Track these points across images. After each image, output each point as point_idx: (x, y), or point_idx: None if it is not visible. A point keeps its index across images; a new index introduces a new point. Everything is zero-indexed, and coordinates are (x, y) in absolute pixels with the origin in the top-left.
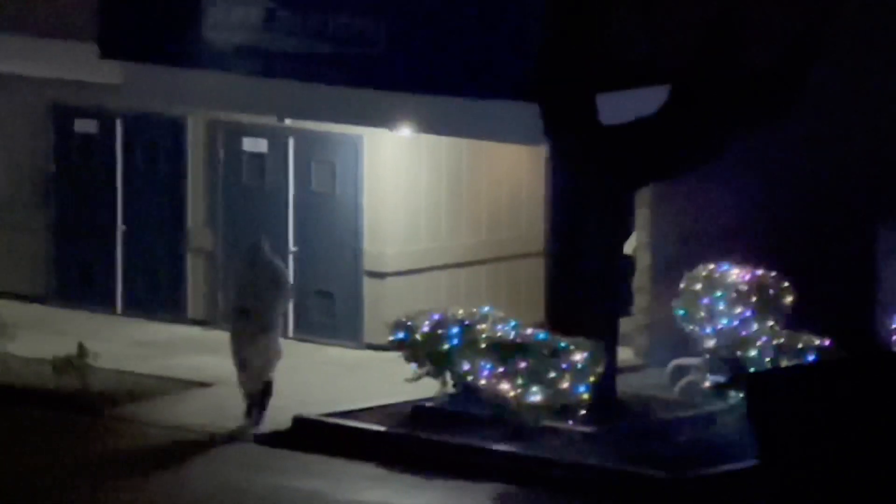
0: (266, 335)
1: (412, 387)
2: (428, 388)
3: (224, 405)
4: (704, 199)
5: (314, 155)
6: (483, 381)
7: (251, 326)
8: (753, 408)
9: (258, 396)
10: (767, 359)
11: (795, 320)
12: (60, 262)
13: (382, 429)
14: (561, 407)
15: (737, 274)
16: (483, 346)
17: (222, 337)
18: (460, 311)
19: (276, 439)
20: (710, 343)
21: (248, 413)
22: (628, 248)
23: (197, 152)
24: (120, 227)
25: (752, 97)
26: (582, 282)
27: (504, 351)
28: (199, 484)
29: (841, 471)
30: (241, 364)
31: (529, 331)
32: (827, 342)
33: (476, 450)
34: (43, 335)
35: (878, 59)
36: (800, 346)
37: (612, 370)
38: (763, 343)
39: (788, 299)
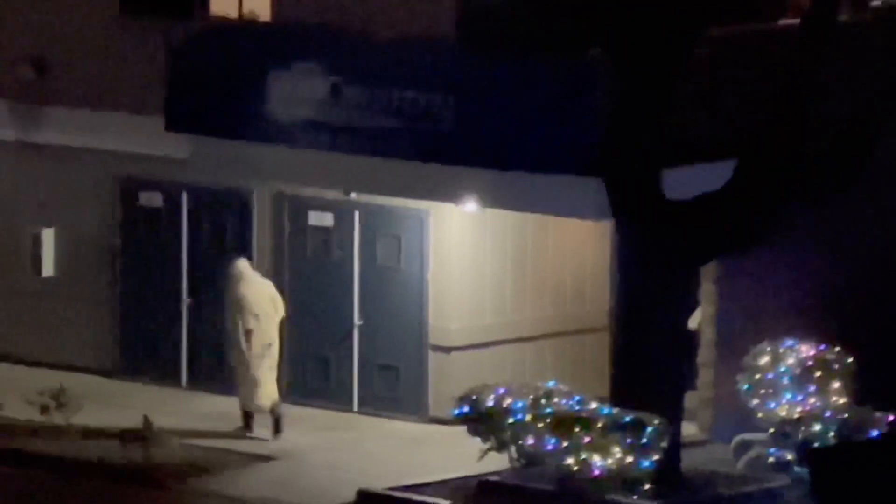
0: (271, 352)
1: (477, 461)
2: (493, 463)
3: (287, 479)
4: (769, 274)
5: (380, 229)
6: (548, 456)
7: (256, 346)
8: (818, 483)
9: (276, 413)
10: (831, 434)
11: (859, 395)
12: (126, 335)
13: (447, 503)
14: (625, 481)
15: (801, 349)
16: (548, 420)
17: (288, 411)
18: (525, 386)
19: None
20: (775, 418)
21: (248, 425)
22: (693, 322)
23: (262, 226)
24: (185, 301)
25: (816, 173)
26: (647, 356)
27: (569, 425)
28: None
29: None
30: (255, 382)
31: (594, 405)
32: (891, 417)
33: None
34: (108, 408)
35: None
36: (864, 421)
37: (676, 445)
38: (827, 418)
39: (852, 375)
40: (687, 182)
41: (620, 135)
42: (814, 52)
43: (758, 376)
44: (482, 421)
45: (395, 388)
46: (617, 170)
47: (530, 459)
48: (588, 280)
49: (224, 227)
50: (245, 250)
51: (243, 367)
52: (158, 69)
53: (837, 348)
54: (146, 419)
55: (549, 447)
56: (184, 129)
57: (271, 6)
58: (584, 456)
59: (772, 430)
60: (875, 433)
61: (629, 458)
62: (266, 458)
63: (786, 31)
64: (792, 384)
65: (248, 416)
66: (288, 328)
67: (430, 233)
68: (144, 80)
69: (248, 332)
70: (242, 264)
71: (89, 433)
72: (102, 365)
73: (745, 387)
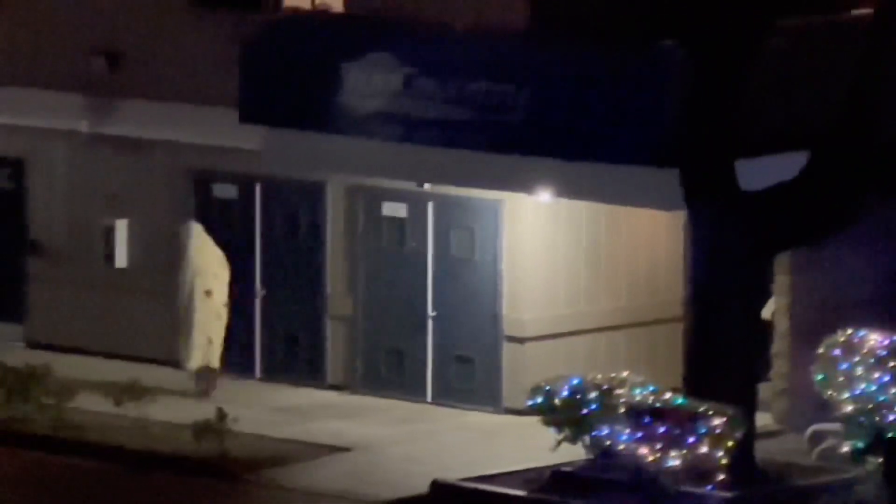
0: (224, 312)
1: (551, 452)
2: (567, 454)
3: (362, 470)
4: (843, 264)
5: (454, 220)
6: (621, 447)
7: (215, 306)
8: (892, 473)
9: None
10: None
11: None
12: None
13: (521, 494)
14: (699, 472)
15: (875, 339)
16: (621, 411)
17: (362, 402)
18: (599, 376)
19: None
20: (849, 408)
21: (202, 381)
22: (766, 313)
23: (336, 217)
24: (259, 293)
25: (889, 162)
26: (720, 347)
27: (642, 416)
28: None
29: None
30: (209, 341)
31: (668, 396)
32: None
33: None
34: (182, 400)
35: None
36: None
37: (750, 435)
38: None
39: None
40: (761, 172)
41: (694, 125)
42: (886, 42)
43: (832, 366)
44: (556, 412)
45: (470, 379)
46: (691, 160)
47: (604, 450)
48: (662, 270)
49: (297, 219)
50: (319, 242)
51: (199, 326)
52: (232, 61)
53: None
54: (220, 411)
55: (623, 438)
56: (257, 121)
57: None
58: (657, 447)
59: (846, 420)
60: None
61: (703, 449)
62: (341, 450)
63: (859, 21)
64: (866, 374)
65: (201, 376)
66: (362, 319)
67: (504, 223)
68: (218, 72)
69: (208, 293)
70: (197, 227)
71: (163, 425)
72: (176, 356)
73: (820, 377)
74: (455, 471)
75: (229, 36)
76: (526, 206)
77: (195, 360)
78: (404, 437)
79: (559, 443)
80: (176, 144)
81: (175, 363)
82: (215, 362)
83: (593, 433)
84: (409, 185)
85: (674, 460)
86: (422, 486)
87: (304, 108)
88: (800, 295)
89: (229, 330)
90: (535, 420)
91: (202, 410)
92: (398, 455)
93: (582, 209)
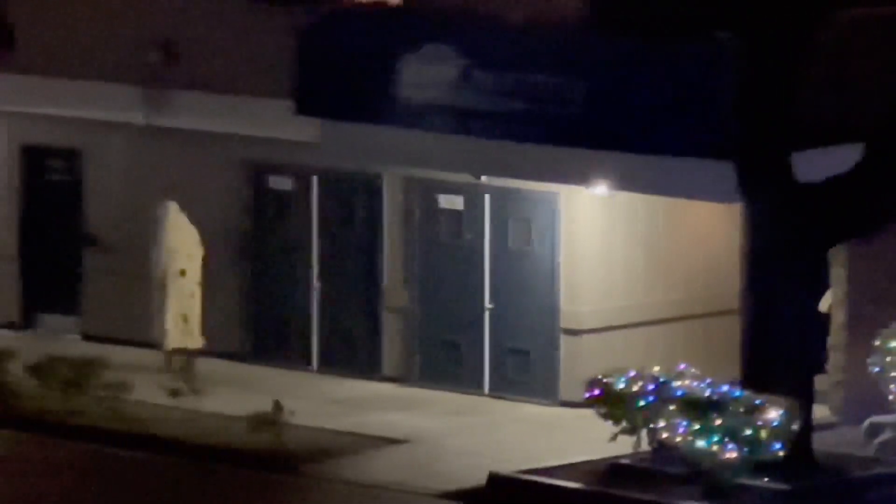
0: (198, 291)
1: (608, 444)
2: (624, 446)
3: (418, 463)
4: None
5: (510, 212)
6: (678, 439)
7: (189, 285)
8: None
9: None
10: None
11: None
12: (256, 319)
13: (578, 486)
14: (756, 464)
15: None
16: (679, 403)
17: (418, 394)
18: (656, 369)
19: (472, 496)
20: None
21: (177, 360)
22: (823, 305)
23: (393, 210)
24: (315, 285)
25: None
26: (778, 339)
27: (700, 408)
28: None
29: None
30: (184, 319)
31: (725, 388)
32: None
33: None
34: (238, 392)
35: None
36: None
37: (807, 427)
38: None
39: None
40: (817, 165)
41: (750, 117)
42: None
43: (889, 358)
44: (613, 404)
45: (526, 371)
46: (747, 152)
47: (661, 443)
48: (719, 262)
49: (354, 212)
50: (375, 234)
51: (174, 306)
52: (288, 53)
53: None
54: (277, 403)
55: (680, 430)
56: (314, 113)
57: None
58: (714, 439)
59: None
60: None
61: (760, 441)
62: (398, 442)
63: None
64: None
65: (176, 355)
66: (418, 312)
67: (561, 216)
68: (274, 64)
69: (182, 272)
70: (172, 206)
71: (218, 417)
72: (233, 349)
73: (876, 369)
74: (512, 463)
75: (286, 28)
76: (583, 199)
77: (171, 340)
78: (461, 430)
79: (616, 435)
80: (232, 137)
81: (232, 355)
82: (194, 341)
83: (650, 425)
84: (466, 178)
85: (731, 452)
86: (479, 479)
87: (360, 100)
88: (856, 287)
89: (285, 323)
90: (591, 412)
91: (258, 402)
92: (455, 447)
93: (639, 201)
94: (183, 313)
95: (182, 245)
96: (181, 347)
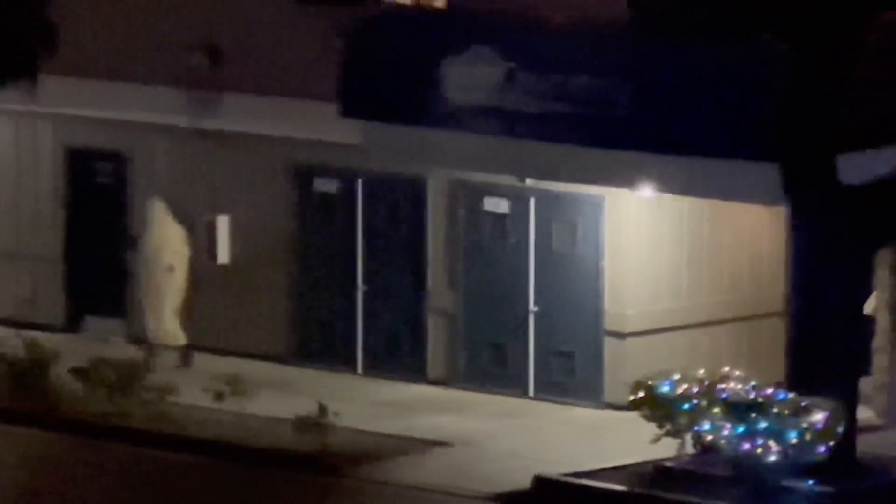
0: (189, 287)
1: (652, 447)
2: (669, 448)
3: (463, 465)
4: None
5: (555, 215)
6: (723, 441)
7: (177, 281)
8: None
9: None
10: None
11: None
12: (301, 321)
13: (623, 489)
14: (801, 467)
15: None
16: (723, 405)
17: (463, 397)
18: (701, 371)
19: (518, 499)
20: None
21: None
22: (868, 308)
23: (437, 212)
24: (360, 287)
25: None
26: (823, 341)
27: (744, 411)
28: None
29: None
30: (176, 315)
31: (769, 390)
32: None
33: None
34: (283, 395)
35: None
36: None
37: (852, 430)
38: None
39: None
40: (862, 167)
41: (796, 119)
42: None
43: None
44: (658, 406)
45: (571, 374)
46: (793, 154)
47: (705, 445)
48: (764, 265)
49: (399, 214)
50: (420, 237)
51: (163, 302)
52: (333, 55)
53: None
54: (322, 406)
55: (725, 432)
56: (359, 116)
57: None
58: (759, 441)
59: None
60: None
61: (805, 444)
62: (442, 445)
63: None
64: None
65: (150, 350)
66: (463, 314)
67: (606, 219)
68: (319, 66)
69: (170, 268)
70: (158, 204)
71: (264, 420)
72: (278, 352)
73: None
74: (557, 466)
75: (330, 30)
76: (628, 201)
77: (163, 336)
78: (506, 432)
79: (660, 437)
80: (277, 139)
81: (277, 357)
82: (183, 336)
83: (695, 428)
84: (511, 180)
85: (775, 455)
86: (524, 481)
87: (405, 102)
88: None
89: (330, 326)
90: (636, 415)
91: (303, 405)
92: (500, 450)
93: (684, 204)
94: (174, 308)
95: (168, 242)
96: (176, 343)
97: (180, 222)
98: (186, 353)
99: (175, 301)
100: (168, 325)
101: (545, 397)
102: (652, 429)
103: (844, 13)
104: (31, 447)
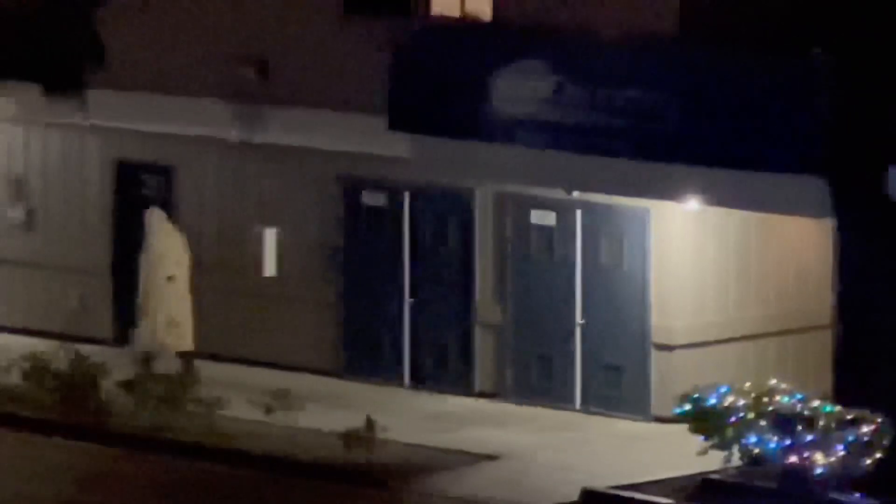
0: (187, 296)
1: (700, 459)
2: (715, 461)
3: (511, 478)
4: None
5: (602, 228)
6: (770, 454)
7: (178, 290)
8: None
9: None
10: None
11: None
12: (349, 334)
13: (670, 502)
14: (847, 480)
15: None
16: (770, 418)
17: (510, 410)
18: (748, 384)
19: None
20: None
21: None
22: None
23: (484, 225)
24: (408, 300)
25: None
26: (869, 354)
27: (791, 423)
28: None
29: None
30: (176, 324)
31: (816, 403)
32: None
33: None
34: (331, 408)
35: None
36: None
37: None
38: None
39: None
40: None
41: (844, 133)
42: None
43: None
44: (705, 419)
45: (618, 386)
46: (840, 168)
47: (753, 458)
48: (810, 277)
49: (446, 226)
50: (467, 250)
51: (161, 310)
52: (380, 68)
53: None
54: (369, 419)
55: (772, 445)
56: (406, 129)
57: (492, 5)
58: (806, 454)
59: None
60: None
61: (851, 457)
62: (490, 458)
63: None
64: None
65: (149, 359)
66: (510, 327)
67: (653, 231)
68: (367, 80)
69: (171, 278)
70: (158, 214)
71: (312, 433)
72: (325, 365)
73: None
74: (604, 478)
75: (378, 43)
76: (674, 214)
77: (163, 344)
78: (553, 445)
79: (706, 450)
80: (325, 152)
81: (324, 371)
82: (186, 344)
83: (742, 441)
84: (558, 193)
85: (822, 468)
86: (571, 494)
87: (452, 115)
88: None
89: (377, 339)
90: (683, 428)
91: (351, 418)
92: (547, 463)
93: (730, 216)
94: (172, 318)
95: (170, 251)
96: (178, 351)
97: (228, 235)
98: (189, 360)
99: (175, 310)
100: (168, 333)
101: (592, 410)
102: (699, 441)
103: (893, 26)
104: (80, 460)
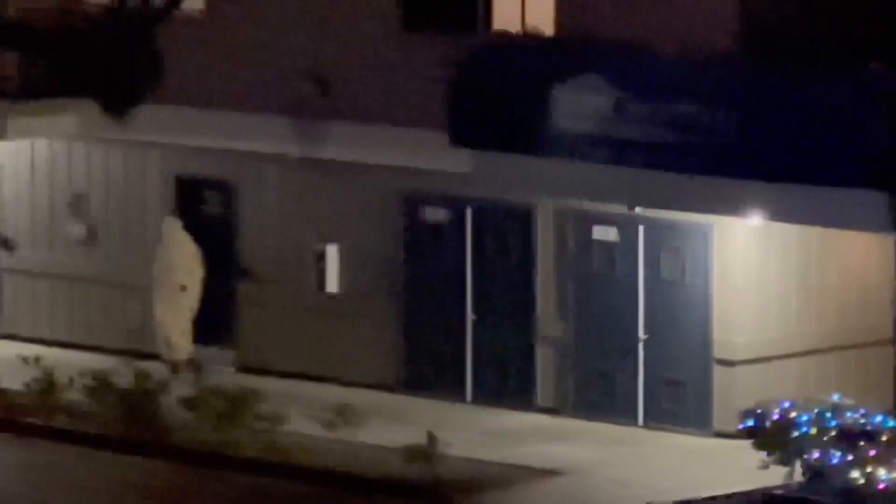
0: (196, 307)
1: (762, 474)
2: (777, 476)
3: (573, 494)
4: None
5: (664, 243)
6: (832, 469)
7: (189, 300)
8: None
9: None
10: None
11: None
12: (410, 350)
13: None
14: None
15: None
16: (832, 434)
17: (572, 425)
18: (810, 399)
19: None
20: None
21: (175, 370)
22: None
23: (546, 241)
24: (469, 316)
25: None
26: None
27: (853, 438)
28: None
29: None
30: (183, 333)
31: (879, 418)
32: None
33: None
34: (392, 424)
35: None
36: None
37: None
38: None
39: None
40: None
41: None
42: None
43: None
44: (767, 434)
45: (680, 402)
46: None
47: (815, 473)
48: (872, 292)
49: (508, 242)
50: (529, 265)
51: (175, 320)
52: (442, 84)
53: None
54: (431, 434)
55: (834, 461)
56: (468, 144)
57: (554, 21)
58: (869, 469)
59: None
60: None
61: None
62: (552, 473)
63: None
64: None
65: (176, 366)
66: (572, 343)
67: (715, 246)
68: (428, 95)
69: (183, 288)
70: (173, 223)
71: (373, 449)
72: (387, 380)
73: None
74: (666, 494)
75: (438, 59)
76: (736, 229)
77: (173, 353)
78: (615, 460)
79: (768, 465)
80: (386, 168)
81: (386, 386)
82: (189, 353)
83: (804, 456)
84: (620, 209)
85: (884, 483)
86: None
87: (514, 130)
88: None
89: (439, 354)
90: (745, 443)
91: (412, 434)
92: (609, 478)
93: (792, 231)
94: (185, 326)
95: (182, 261)
96: (186, 358)
97: (289, 251)
98: (199, 367)
99: (186, 319)
100: (179, 341)
101: (654, 425)
102: (760, 457)
103: None
104: (142, 477)
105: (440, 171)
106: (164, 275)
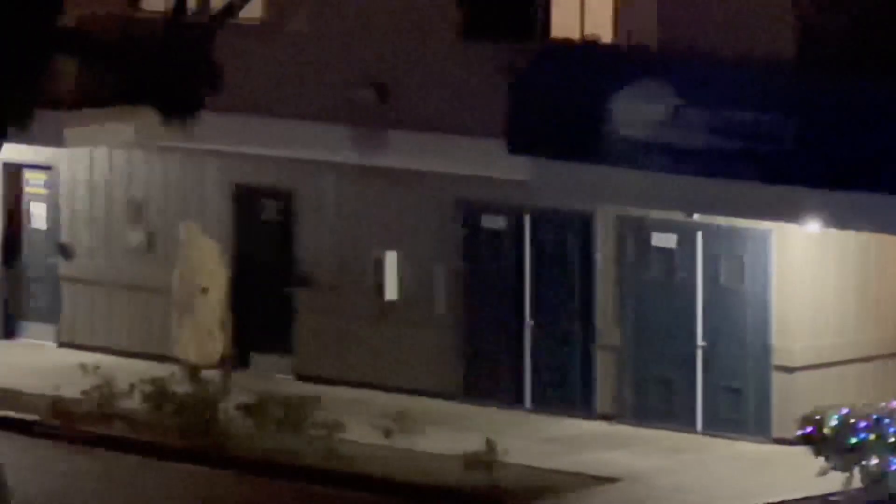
0: (221, 308)
1: (821, 481)
2: (837, 483)
3: (631, 501)
4: None
5: (722, 250)
6: (892, 475)
7: (211, 301)
8: None
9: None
10: None
11: None
12: (469, 357)
13: None
14: None
15: None
16: (892, 440)
17: (631, 432)
18: (869, 405)
19: None
20: None
21: (193, 374)
22: None
23: (605, 248)
24: (528, 323)
25: None
26: None
27: None
28: None
29: None
30: (210, 333)
31: None
32: None
33: None
34: (451, 431)
35: None
36: None
37: None
38: None
39: None
40: None
41: None
42: None
43: None
44: (826, 441)
45: (739, 408)
46: None
47: (874, 479)
48: None
49: (566, 249)
50: (587, 272)
51: (197, 322)
52: (500, 92)
53: None
54: (490, 442)
55: (893, 467)
56: (526, 152)
57: (613, 28)
58: None
59: None
60: None
61: None
62: (611, 480)
63: None
64: None
65: (195, 369)
66: (631, 349)
67: (773, 253)
68: (486, 103)
69: (205, 290)
70: (191, 226)
71: (433, 456)
72: (446, 388)
73: None
74: (724, 501)
75: (496, 66)
76: (795, 236)
77: (194, 355)
78: (674, 467)
79: (827, 471)
80: (444, 176)
81: (445, 394)
82: (222, 353)
83: (863, 462)
84: (678, 215)
85: None
86: None
87: (572, 138)
88: None
89: (498, 361)
90: (804, 449)
91: (471, 441)
92: (668, 485)
93: (851, 238)
94: (207, 329)
95: (203, 264)
96: (211, 362)
97: (347, 259)
98: (227, 370)
99: (209, 321)
100: (203, 344)
101: (713, 432)
102: (820, 463)
103: None
104: (200, 485)
105: (499, 179)
106: (183, 278)
